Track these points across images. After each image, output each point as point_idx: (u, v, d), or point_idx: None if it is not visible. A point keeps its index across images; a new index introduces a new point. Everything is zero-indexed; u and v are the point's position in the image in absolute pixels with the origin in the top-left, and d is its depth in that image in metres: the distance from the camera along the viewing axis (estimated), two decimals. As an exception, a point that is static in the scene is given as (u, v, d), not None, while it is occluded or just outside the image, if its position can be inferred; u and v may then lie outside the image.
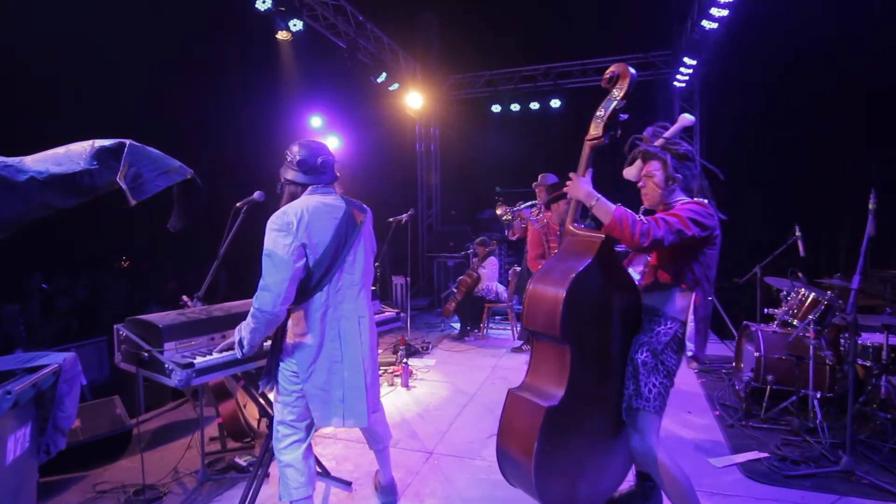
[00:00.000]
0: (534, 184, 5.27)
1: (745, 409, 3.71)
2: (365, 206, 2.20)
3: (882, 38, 5.16)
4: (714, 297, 5.22)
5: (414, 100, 8.12)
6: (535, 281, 2.02)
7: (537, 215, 5.13)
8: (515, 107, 8.78)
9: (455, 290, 6.39)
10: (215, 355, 2.08)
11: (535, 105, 8.67)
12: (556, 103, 8.53)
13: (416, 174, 9.60)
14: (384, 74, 7.15)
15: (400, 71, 7.88)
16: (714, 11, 5.03)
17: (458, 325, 6.61)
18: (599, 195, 1.98)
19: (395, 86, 7.61)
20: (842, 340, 3.73)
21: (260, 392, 2.33)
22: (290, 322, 2.04)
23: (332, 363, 1.99)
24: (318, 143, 2.15)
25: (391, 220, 4.90)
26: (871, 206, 3.13)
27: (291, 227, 1.90)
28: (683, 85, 7.50)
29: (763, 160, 7.66)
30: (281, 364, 2.04)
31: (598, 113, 2.07)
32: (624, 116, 2.04)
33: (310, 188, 2.05)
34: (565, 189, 2.11)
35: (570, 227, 2.12)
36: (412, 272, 8.98)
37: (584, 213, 2.13)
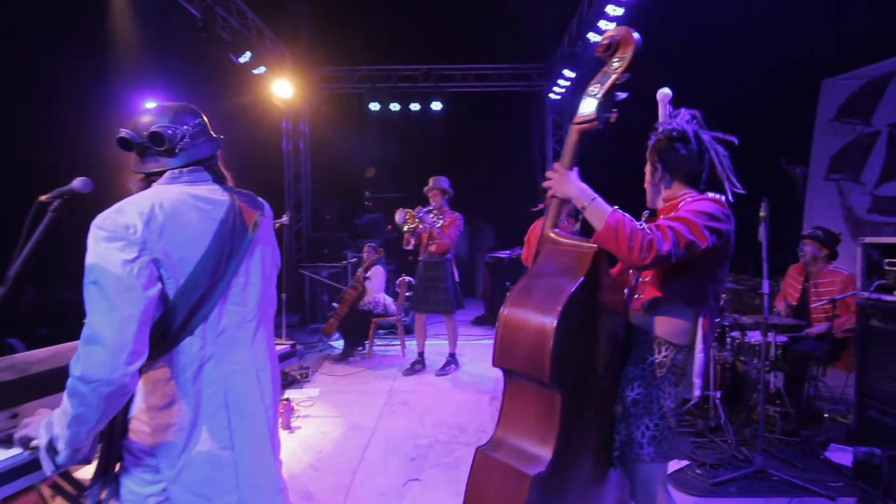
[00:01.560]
0: (426, 188, 4.93)
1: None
2: (261, 199, 1.49)
3: (768, 53, 5.73)
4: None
5: (282, 88, 7.15)
6: (512, 303, 1.54)
7: (437, 221, 4.80)
8: (395, 106, 8.31)
9: (337, 305, 5.65)
10: (11, 452, 1.21)
11: (415, 106, 8.31)
12: (437, 106, 8.27)
13: (282, 174, 8.55)
14: (248, 54, 6.12)
15: (266, 54, 6.87)
16: (602, 24, 5.18)
17: (339, 344, 5.86)
18: (596, 193, 1.56)
19: (261, 69, 6.58)
20: (727, 340, 3.96)
21: None
22: (141, 389, 1.21)
23: (215, 451, 1.24)
24: (183, 106, 1.40)
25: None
26: (762, 214, 3.28)
27: (134, 234, 1.11)
28: (559, 97, 7.79)
29: (640, 174, 8.29)
30: (127, 460, 1.25)
31: (590, 89, 1.60)
32: (622, 95, 1.63)
33: (167, 174, 1.28)
34: (547, 184, 1.66)
35: (551, 234, 1.68)
36: (279, 285, 7.93)
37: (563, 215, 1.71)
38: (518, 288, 1.58)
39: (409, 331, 6.12)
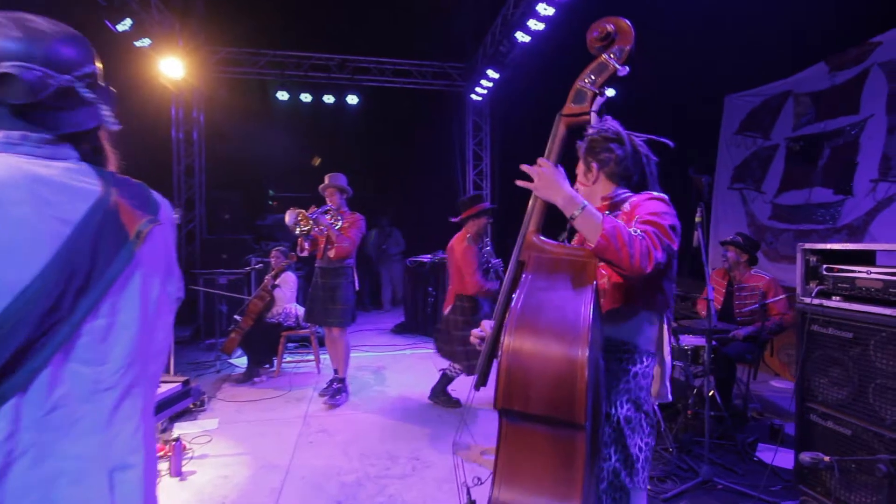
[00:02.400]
0: (321, 186, 4.31)
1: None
2: (157, 196, 0.98)
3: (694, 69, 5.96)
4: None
5: (171, 67, 6.18)
6: (517, 330, 1.18)
7: (335, 223, 4.21)
8: (306, 97, 7.63)
9: (239, 318, 4.91)
10: None
11: (329, 98, 7.70)
12: (353, 100, 7.73)
13: (170, 167, 7.45)
14: (129, 21, 5.15)
15: (153, 25, 5.87)
16: (532, 24, 5.04)
17: (242, 363, 5.11)
18: (585, 201, 1.37)
19: (145, 42, 5.61)
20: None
21: None
22: None
23: None
24: (73, 36, 0.86)
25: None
26: (697, 219, 3.27)
27: None
28: (480, 99, 7.64)
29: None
30: None
31: (582, 81, 1.45)
32: (601, 100, 1.47)
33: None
34: (531, 185, 1.43)
35: (535, 241, 1.36)
36: None
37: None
38: (518, 310, 1.22)
39: (324, 343, 5.52)
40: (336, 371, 4.37)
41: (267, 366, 5.15)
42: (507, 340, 1.20)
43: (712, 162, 5.93)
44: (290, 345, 5.75)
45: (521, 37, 5.33)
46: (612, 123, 1.66)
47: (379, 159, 8.55)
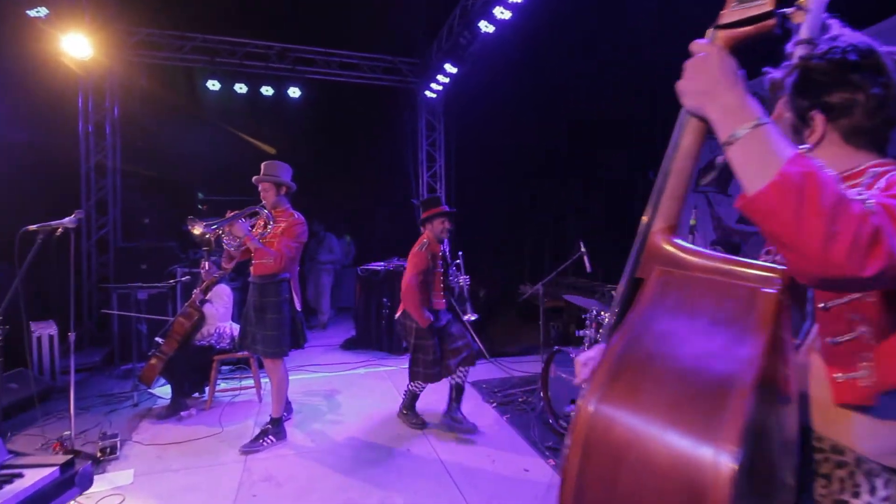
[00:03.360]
0: (255, 178, 3.53)
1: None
2: None
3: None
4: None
5: (76, 45, 5.26)
6: (608, 401, 0.70)
7: (264, 229, 3.47)
8: (241, 87, 6.85)
9: (162, 341, 4.13)
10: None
11: (268, 90, 6.96)
12: (295, 92, 7.04)
13: (78, 164, 6.41)
14: (16, -17, 4.24)
15: (50, -7, 4.95)
16: (497, 12, 4.65)
17: (166, 392, 4.32)
18: (767, 116, 0.74)
19: (42, 11, 4.68)
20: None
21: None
22: None
23: None
24: None
25: (34, 228, 2.62)
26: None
27: None
28: (435, 96, 7.20)
29: (509, 179, 7.98)
30: None
31: None
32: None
33: None
34: (679, 88, 0.83)
35: (668, 247, 0.88)
36: (76, 314, 5.96)
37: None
38: (615, 362, 0.74)
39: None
40: (270, 419, 3.68)
41: (197, 395, 4.39)
42: (586, 414, 0.72)
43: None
44: (224, 367, 4.99)
45: (485, 27, 4.94)
46: (847, 35, 0.92)
47: (324, 159, 7.88)
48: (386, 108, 7.81)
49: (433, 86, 6.83)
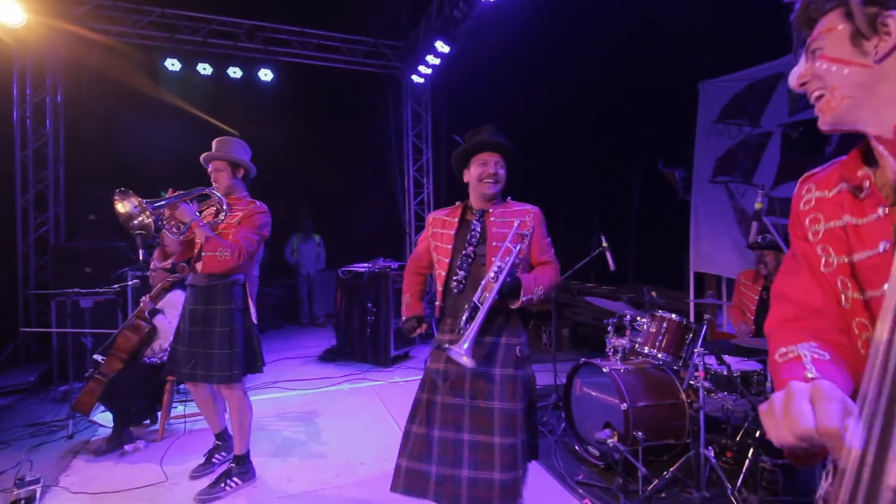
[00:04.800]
0: (205, 155, 2.82)
1: (622, 485, 2.61)
2: None
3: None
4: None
5: (7, 12, 4.46)
6: None
7: (214, 217, 2.74)
8: (205, 68, 6.09)
9: (102, 359, 3.39)
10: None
11: (235, 72, 6.22)
12: (266, 75, 6.32)
13: (12, 153, 5.56)
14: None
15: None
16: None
17: (108, 421, 3.56)
18: None
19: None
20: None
21: None
22: None
23: None
24: None
25: None
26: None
27: None
28: (422, 81, 6.58)
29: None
30: None
31: None
32: None
33: None
34: None
35: None
36: (4, 327, 5.25)
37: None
38: None
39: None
40: (218, 438, 3.02)
41: (147, 422, 3.65)
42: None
43: (688, 155, 5.36)
44: (182, 386, 4.25)
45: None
46: None
47: (299, 149, 7.18)
48: (368, 95, 7.16)
49: (421, 69, 6.21)
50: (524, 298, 1.83)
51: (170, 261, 3.09)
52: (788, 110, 4.35)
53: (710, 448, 2.56)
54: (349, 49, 6.64)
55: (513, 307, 1.87)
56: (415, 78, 6.49)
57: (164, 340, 3.54)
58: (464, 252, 1.98)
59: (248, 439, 2.87)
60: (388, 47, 6.80)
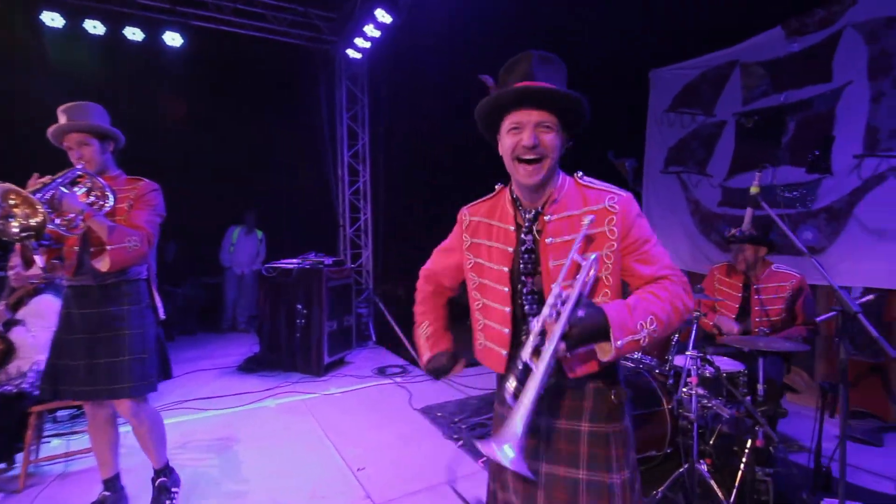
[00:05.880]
0: (54, 128, 2.16)
1: None
2: None
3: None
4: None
5: None
6: None
7: (101, 202, 2.17)
8: (96, 27, 5.08)
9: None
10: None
11: (135, 33, 5.26)
12: (174, 40, 5.40)
13: None
14: None
15: None
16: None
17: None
18: None
19: None
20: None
21: None
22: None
23: None
24: None
25: None
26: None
27: None
28: (360, 57, 5.96)
29: (449, 161, 6.91)
30: None
31: None
32: None
33: None
34: None
35: None
36: None
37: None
38: None
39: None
40: (107, 487, 2.40)
41: (3, 466, 2.82)
42: None
43: (639, 144, 5.20)
44: (62, 412, 3.40)
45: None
46: None
47: (214, 130, 6.30)
48: (296, 70, 6.41)
49: (358, 42, 5.58)
50: (619, 344, 1.12)
51: (38, 262, 2.33)
52: (742, 99, 4.26)
53: (702, 462, 2.26)
54: (274, 17, 5.86)
55: (604, 360, 1.17)
56: (350, 53, 5.85)
57: (26, 360, 2.73)
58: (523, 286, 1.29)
59: (165, 450, 2.45)
60: (320, 18, 6.09)
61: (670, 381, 2.65)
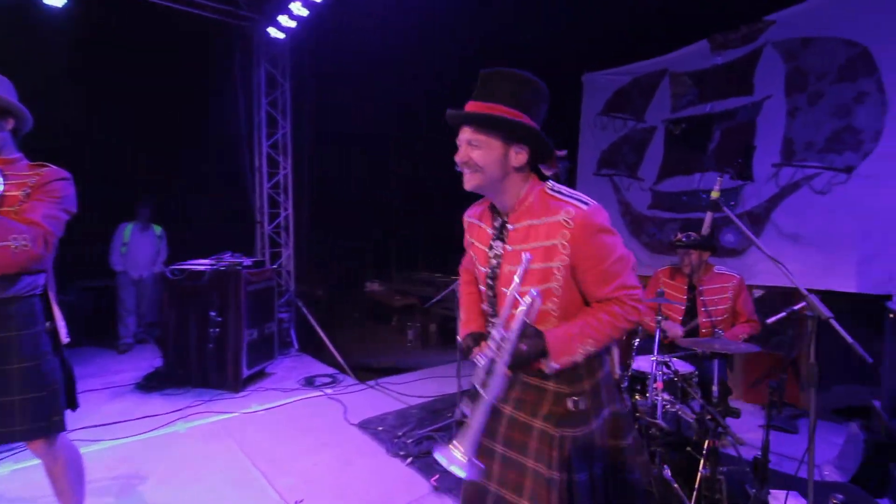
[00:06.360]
0: None
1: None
2: None
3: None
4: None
5: None
6: None
7: None
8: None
9: None
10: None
11: (-2, -16, 4.33)
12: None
13: None
14: None
15: None
16: None
17: None
18: None
19: None
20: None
21: None
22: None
23: None
24: None
25: None
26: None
27: None
28: (283, 37, 5.43)
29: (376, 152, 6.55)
30: None
31: None
32: None
33: None
34: None
35: None
36: None
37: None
38: None
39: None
40: None
41: None
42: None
43: (573, 146, 5.27)
44: None
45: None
46: None
47: (109, 108, 5.44)
48: (207, 46, 5.72)
49: (282, 20, 5.06)
50: (554, 366, 1.26)
51: None
52: (671, 106, 4.44)
53: (665, 467, 2.22)
54: (181, -16, 5.15)
55: (548, 372, 1.29)
56: (273, 32, 5.30)
57: None
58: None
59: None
60: (236, -9, 5.47)
61: (625, 385, 2.62)
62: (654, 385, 2.23)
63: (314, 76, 5.86)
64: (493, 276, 1.38)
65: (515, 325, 1.23)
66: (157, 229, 5.76)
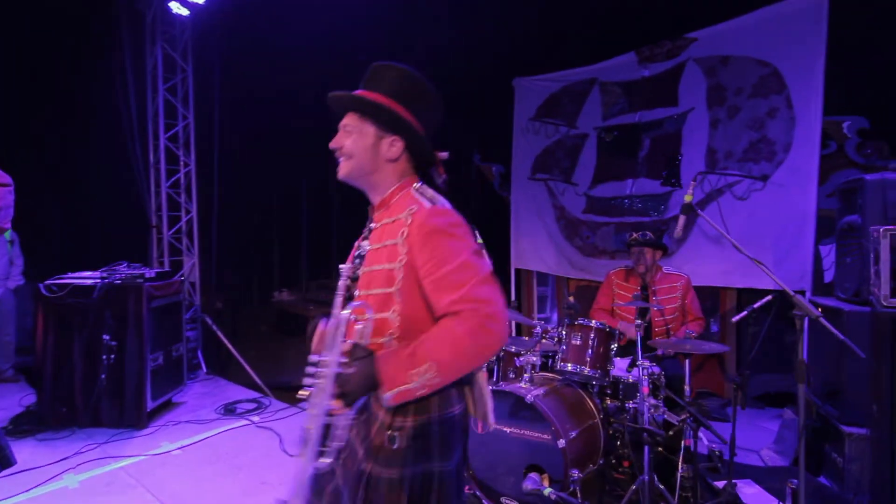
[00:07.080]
0: None
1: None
2: None
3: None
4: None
5: None
6: None
7: None
8: None
9: None
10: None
11: None
12: None
13: None
14: None
15: None
16: None
17: None
18: None
19: None
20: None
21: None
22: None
23: None
24: None
25: None
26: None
27: None
28: (187, 13, 4.74)
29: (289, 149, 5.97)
30: None
31: None
32: None
33: None
34: None
35: None
36: None
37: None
38: None
39: None
40: None
41: None
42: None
43: (507, 150, 5.26)
44: None
45: None
46: None
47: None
48: (88, 21, 4.84)
49: (186, -5, 4.42)
50: (388, 397, 1.06)
51: None
52: (602, 114, 4.60)
53: (653, 474, 2.20)
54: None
55: (384, 406, 1.09)
56: (175, 7, 4.60)
57: None
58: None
59: None
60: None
61: (606, 391, 2.58)
62: (642, 390, 2.19)
63: (223, 60, 5.20)
64: (354, 278, 1.25)
65: (334, 353, 1.07)
66: (7, 234, 4.68)
